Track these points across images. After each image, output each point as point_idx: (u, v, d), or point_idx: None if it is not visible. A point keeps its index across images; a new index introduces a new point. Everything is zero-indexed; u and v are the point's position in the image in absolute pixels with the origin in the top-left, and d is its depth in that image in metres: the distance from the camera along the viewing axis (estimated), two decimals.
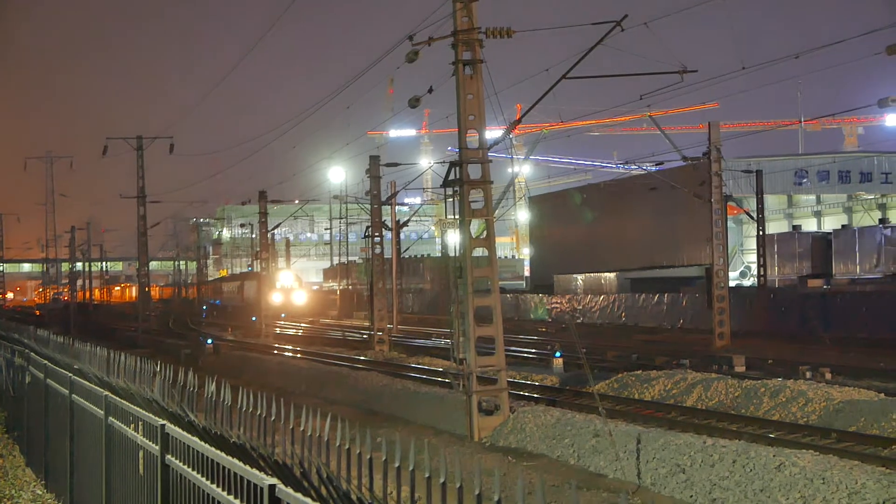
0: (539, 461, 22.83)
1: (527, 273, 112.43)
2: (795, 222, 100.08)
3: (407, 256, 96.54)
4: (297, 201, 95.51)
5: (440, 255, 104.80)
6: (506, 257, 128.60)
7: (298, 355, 53.58)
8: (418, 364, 45.18)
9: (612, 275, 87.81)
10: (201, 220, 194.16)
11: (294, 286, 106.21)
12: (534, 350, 51.38)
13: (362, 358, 49.73)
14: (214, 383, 8.70)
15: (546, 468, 21.92)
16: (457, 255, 27.72)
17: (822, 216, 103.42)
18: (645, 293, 77.82)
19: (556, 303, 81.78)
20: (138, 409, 10.62)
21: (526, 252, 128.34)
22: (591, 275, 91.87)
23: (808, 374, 36.06)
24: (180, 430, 8.72)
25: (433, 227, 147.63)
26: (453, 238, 34.82)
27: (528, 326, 67.08)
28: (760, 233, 65.06)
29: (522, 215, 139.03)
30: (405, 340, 61.06)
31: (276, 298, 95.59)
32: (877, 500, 15.74)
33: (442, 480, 4.71)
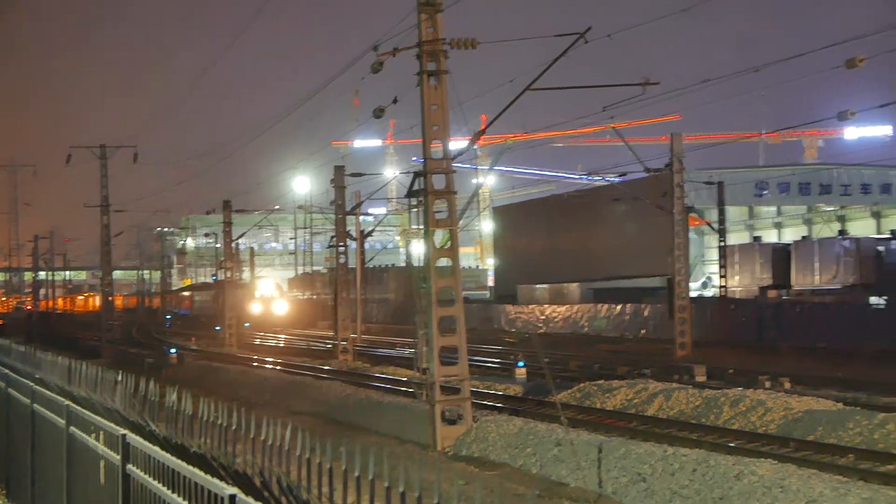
0: (502, 470, 22.82)
1: (491, 283, 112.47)
2: (756, 233, 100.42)
3: (371, 266, 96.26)
4: (258, 212, 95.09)
5: (404, 265, 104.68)
6: (469, 267, 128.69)
7: (263, 365, 53.40)
8: (382, 373, 45.12)
9: (575, 285, 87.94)
10: (165, 229, 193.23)
11: (275, 295, 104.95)
12: (497, 360, 51.39)
13: (326, 367, 49.60)
14: (176, 393, 8.65)
15: (508, 477, 21.91)
16: (421, 265, 27.68)
17: (782, 227, 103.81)
18: (607, 303, 78.02)
19: (519, 313, 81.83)
20: (100, 418, 10.54)
21: (490, 262, 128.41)
22: (555, 285, 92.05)
23: (768, 384, 36.23)
24: (141, 440, 8.66)
25: (397, 238, 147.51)
26: (417, 248, 34.74)
27: (491, 336, 67.04)
28: (721, 244, 65.30)
29: (486, 225, 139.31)
30: (369, 350, 61.00)
31: (255, 308, 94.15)
32: None
33: (402, 490, 4.69)
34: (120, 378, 11.18)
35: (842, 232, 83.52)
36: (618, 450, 20.83)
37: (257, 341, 78.21)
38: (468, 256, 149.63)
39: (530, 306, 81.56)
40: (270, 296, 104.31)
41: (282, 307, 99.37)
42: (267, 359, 56.97)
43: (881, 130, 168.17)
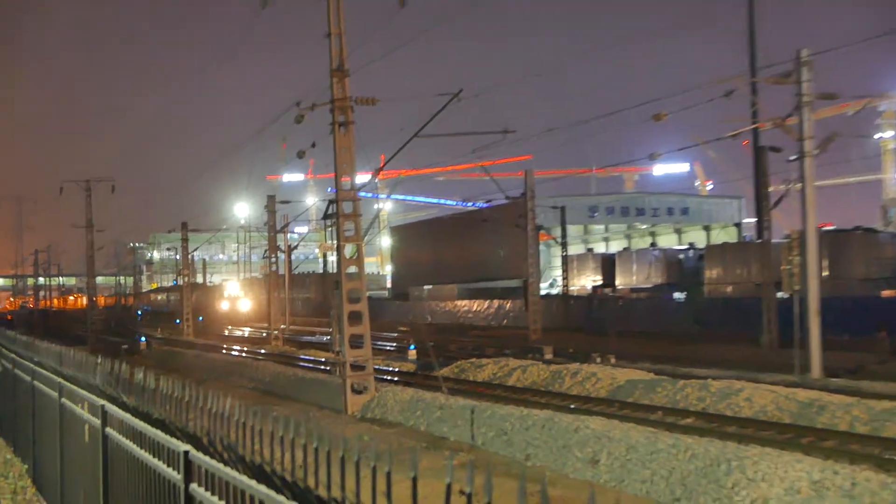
0: (398, 428, 22.77)
1: (389, 285, 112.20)
2: (589, 246, 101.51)
3: (297, 273, 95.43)
4: (209, 231, 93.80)
5: (322, 271, 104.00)
6: (372, 273, 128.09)
7: (212, 350, 52.71)
8: (306, 355, 44.80)
9: (453, 286, 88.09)
10: (137, 244, 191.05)
11: (240, 295, 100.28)
12: (394, 344, 51.32)
13: (262, 351, 49.13)
14: (142, 372, 8.57)
15: (403, 434, 21.87)
16: (335, 271, 27.55)
17: (609, 241, 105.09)
18: (479, 300, 78.23)
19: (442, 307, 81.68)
20: (84, 392, 10.48)
21: (388, 269, 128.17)
22: (437, 286, 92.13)
23: (598, 360, 36.56)
24: (116, 409, 8.60)
25: (317, 250, 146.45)
26: (332, 258, 34.57)
27: (389, 326, 66.84)
28: (564, 254, 65.92)
29: (385, 241, 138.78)
30: (296, 337, 60.53)
31: (223, 306, 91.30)
32: (647, 452, 15.99)
33: (315, 446, 4.66)
34: (99, 361, 11.15)
35: (653, 244, 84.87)
36: (486, 411, 20.89)
37: (212, 331, 77.19)
38: (371, 264, 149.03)
39: (453, 302, 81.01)
40: (236, 295, 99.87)
41: (246, 305, 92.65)
42: (216, 345, 56.27)
43: (680, 167, 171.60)
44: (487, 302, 74.53)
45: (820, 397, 21.46)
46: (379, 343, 48.79)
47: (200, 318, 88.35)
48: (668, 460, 15.47)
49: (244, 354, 47.31)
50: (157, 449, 6.85)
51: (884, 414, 19.30)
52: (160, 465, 6.69)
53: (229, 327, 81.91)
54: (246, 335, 69.22)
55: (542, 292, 68.51)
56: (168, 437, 6.60)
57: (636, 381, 26.78)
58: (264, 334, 62.10)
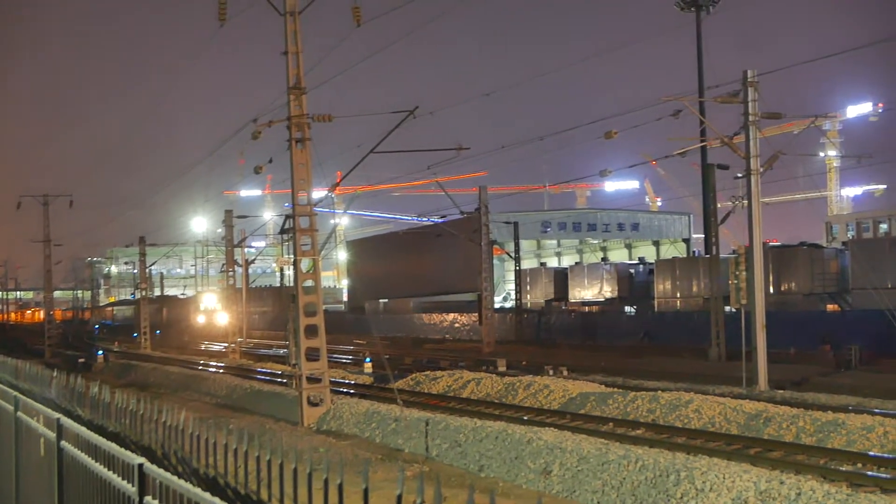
0: (353, 440, 22.68)
1: (345, 298, 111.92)
2: (542, 260, 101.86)
3: (254, 286, 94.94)
4: (167, 245, 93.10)
5: (279, 285, 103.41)
6: (329, 287, 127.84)
7: (169, 363, 52.22)
8: (262, 368, 44.55)
9: (408, 300, 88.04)
10: (94, 258, 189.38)
11: (217, 308, 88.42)
12: (350, 356, 51.17)
13: (220, 364, 48.78)
14: (98, 386, 8.47)
15: (358, 445, 21.78)
16: (291, 285, 27.43)
17: (561, 256, 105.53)
18: (433, 313, 78.22)
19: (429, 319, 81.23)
20: (40, 405, 10.32)
21: (345, 283, 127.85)
22: (393, 300, 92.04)
23: (551, 372, 36.64)
24: (72, 422, 8.48)
25: (274, 265, 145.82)
26: (289, 272, 34.43)
27: (345, 339, 66.68)
28: (517, 268, 66.08)
29: (342, 255, 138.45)
30: (253, 350, 60.19)
31: (200, 320, 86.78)
32: (598, 463, 16.04)
33: (268, 458, 4.63)
34: (55, 374, 11.00)
35: (604, 259, 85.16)
36: (440, 423, 20.86)
37: (171, 344, 76.47)
38: (328, 278, 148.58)
39: (440, 314, 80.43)
40: (213, 308, 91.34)
41: (224, 318, 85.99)
42: (173, 358, 55.78)
43: (631, 184, 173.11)
44: (441, 315, 74.52)
45: (766, 409, 21.64)
46: (335, 356, 48.62)
47: (158, 331, 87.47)
48: (618, 471, 15.52)
49: (201, 368, 46.92)
50: (112, 462, 6.78)
51: (828, 425, 19.50)
52: (115, 479, 6.62)
53: (185, 338, 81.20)
54: (203, 348, 68.60)
55: (496, 306, 68.64)
56: (123, 451, 6.53)
57: (588, 393, 26.87)
58: (222, 347, 61.70)
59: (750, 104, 30.07)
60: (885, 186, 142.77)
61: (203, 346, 71.11)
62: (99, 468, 7.16)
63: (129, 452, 6.42)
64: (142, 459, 6.03)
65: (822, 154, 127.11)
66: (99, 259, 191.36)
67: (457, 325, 71.28)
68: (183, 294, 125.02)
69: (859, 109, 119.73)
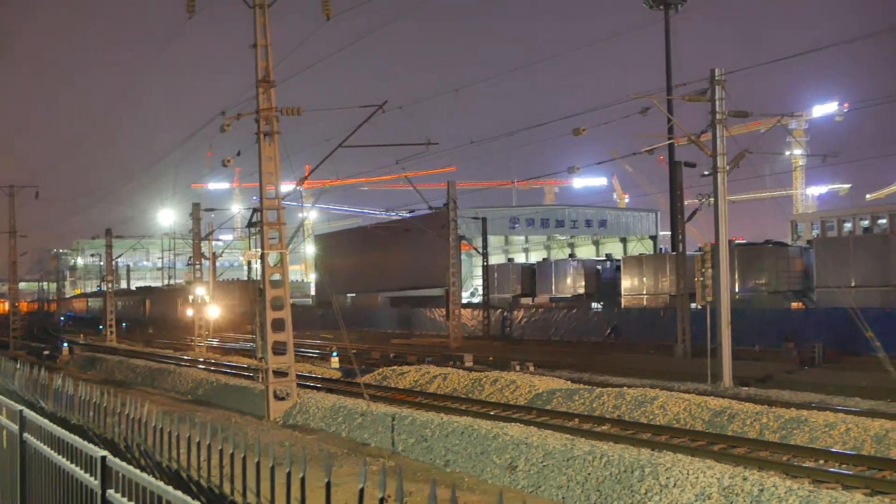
0: (319, 435, 22.62)
1: (313, 293, 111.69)
2: (510, 256, 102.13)
3: (222, 280, 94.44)
4: (133, 238, 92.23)
5: (247, 279, 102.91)
6: (296, 281, 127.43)
7: (135, 356, 51.84)
8: (229, 362, 44.35)
9: (376, 294, 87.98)
10: (60, 250, 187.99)
11: (206, 300, 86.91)
12: (317, 350, 51.05)
13: (186, 357, 48.52)
14: (62, 378, 8.40)
15: (324, 440, 21.73)
16: (259, 279, 27.34)
17: (529, 252, 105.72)
18: (400, 308, 78.17)
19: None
20: (2, 397, 10.19)
21: (312, 277, 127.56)
22: (361, 294, 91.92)
23: (518, 367, 36.71)
24: (34, 414, 8.41)
25: (242, 258, 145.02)
26: (257, 266, 34.25)
27: (312, 333, 66.49)
28: (485, 264, 66.17)
29: (310, 249, 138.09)
30: (220, 344, 59.93)
31: (188, 313, 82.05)
32: (563, 458, 16.07)
33: (231, 451, 4.61)
34: (18, 366, 10.88)
35: (572, 255, 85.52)
36: (406, 418, 20.84)
37: (137, 337, 75.89)
38: (296, 272, 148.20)
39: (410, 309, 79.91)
40: (202, 300, 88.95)
41: (214, 311, 73.98)
42: (139, 350, 55.41)
43: (599, 181, 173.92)
44: (410, 310, 74.42)
45: (731, 405, 21.78)
46: (302, 350, 48.51)
47: (124, 324, 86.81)
48: (583, 466, 15.57)
49: (167, 360, 46.63)
50: (75, 455, 6.72)
51: (792, 422, 19.65)
52: (78, 471, 6.57)
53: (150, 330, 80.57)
54: (169, 341, 68.15)
55: (464, 301, 68.70)
56: (86, 443, 6.48)
57: (555, 389, 26.92)
58: (188, 340, 61.35)
59: (717, 102, 30.25)
60: (849, 185, 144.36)
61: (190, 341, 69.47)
62: (62, 461, 7.11)
63: (91, 445, 6.37)
64: (104, 452, 5.99)
65: (788, 153, 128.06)
66: (65, 251, 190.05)
67: (423, 319, 71.27)
68: (167, 285, 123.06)
69: (825, 109, 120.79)
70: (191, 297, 66.94)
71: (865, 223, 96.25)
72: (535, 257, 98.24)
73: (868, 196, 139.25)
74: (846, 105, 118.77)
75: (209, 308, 71.35)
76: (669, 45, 67.21)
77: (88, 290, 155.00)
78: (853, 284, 46.33)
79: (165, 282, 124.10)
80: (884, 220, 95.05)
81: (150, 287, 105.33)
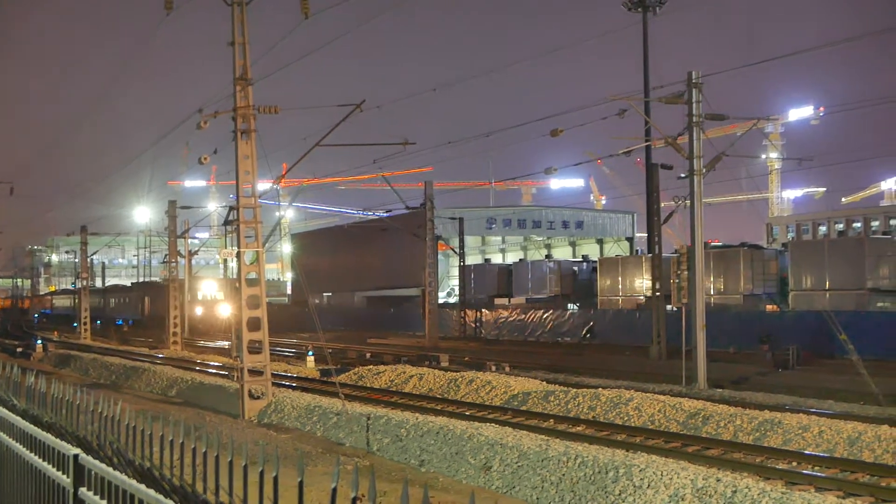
0: (294, 434, 22.59)
1: (289, 292, 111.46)
2: (487, 256, 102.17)
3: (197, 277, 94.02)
4: (109, 235, 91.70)
5: (223, 277, 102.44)
6: (273, 280, 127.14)
7: (110, 353, 51.55)
8: (204, 360, 44.20)
9: (352, 293, 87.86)
10: (35, 247, 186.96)
11: (218, 297, 78.37)
12: (293, 350, 50.95)
13: (160, 355, 48.31)
14: (34, 375, 8.35)
15: (299, 439, 21.70)
16: (235, 277, 27.29)
17: (505, 252, 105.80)
18: (377, 307, 78.11)
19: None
20: None
21: (289, 276, 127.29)
22: (338, 294, 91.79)
23: (493, 368, 36.76)
24: (6, 411, 8.36)
25: (218, 256, 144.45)
26: (233, 264, 34.21)
27: (289, 332, 66.38)
28: (462, 264, 66.23)
29: (286, 248, 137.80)
30: (194, 342, 59.71)
31: (197, 311, 76.69)
32: (538, 459, 16.11)
33: (204, 450, 4.60)
34: None
35: (548, 256, 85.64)
36: (382, 418, 20.84)
37: (112, 335, 75.50)
38: (272, 271, 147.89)
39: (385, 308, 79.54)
40: (213, 298, 78.13)
41: (226, 310, 65.46)
42: (113, 348, 55.13)
43: (576, 182, 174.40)
44: (385, 309, 74.36)
45: (705, 407, 21.87)
46: (278, 349, 48.40)
47: (98, 321, 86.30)
48: (558, 467, 15.61)
49: (142, 358, 46.43)
50: (47, 453, 6.70)
51: (766, 424, 19.76)
52: (50, 469, 6.54)
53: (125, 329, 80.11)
54: (144, 340, 67.81)
55: (441, 301, 68.69)
56: (58, 441, 6.46)
57: (530, 389, 26.98)
58: (163, 338, 61.10)
59: (694, 105, 30.38)
60: (824, 189, 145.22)
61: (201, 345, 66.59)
62: (34, 458, 7.07)
63: (64, 443, 6.35)
64: (77, 450, 5.97)
65: (764, 156, 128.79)
66: (40, 247, 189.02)
67: (399, 318, 71.25)
68: (171, 280, 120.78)
69: (801, 113, 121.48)
70: (200, 295, 65.17)
71: (840, 226, 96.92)
72: (511, 258, 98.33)
73: (843, 199, 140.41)
74: (822, 109, 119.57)
75: (220, 306, 67.73)
76: (647, 48, 67.53)
77: (63, 286, 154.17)
78: (828, 287, 46.61)
79: (142, 280, 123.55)
80: (858, 224, 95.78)
81: (149, 282, 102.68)
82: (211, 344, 58.16)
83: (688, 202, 31.57)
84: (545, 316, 57.53)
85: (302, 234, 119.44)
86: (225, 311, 57.56)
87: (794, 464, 17.37)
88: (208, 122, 25.59)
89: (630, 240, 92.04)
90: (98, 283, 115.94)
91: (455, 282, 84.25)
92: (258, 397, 25.69)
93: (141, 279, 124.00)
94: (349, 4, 28.81)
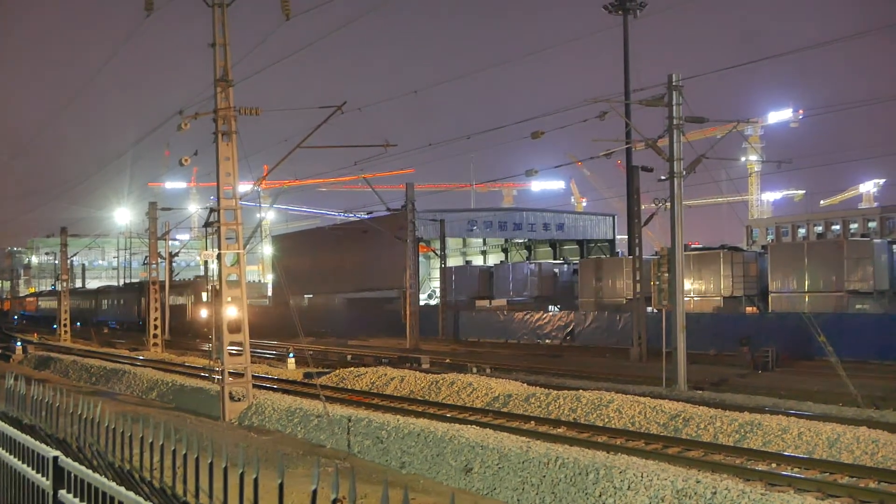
0: (275, 436, 22.54)
1: (270, 293, 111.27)
2: (468, 258, 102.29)
3: (178, 279, 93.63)
4: (89, 237, 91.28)
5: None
6: (254, 281, 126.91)
7: (90, 355, 51.25)
8: (185, 362, 44.03)
9: (333, 295, 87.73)
10: (15, 248, 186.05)
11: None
12: (274, 351, 50.85)
13: (141, 357, 48.11)
14: (13, 378, 8.30)
15: (280, 441, 21.65)
16: (215, 279, 27.22)
17: (486, 254, 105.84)
18: (358, 309, 78.02)
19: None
20: None
21: (270, 277, 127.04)
22: (319, 295, 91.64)
23: (475, 370, 36.75)
24: None
25: (198, 257, 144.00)
26: (213, 266, 34.02)
27: (270, 334, 66.20)
28: (443, 266, 66.24)
29: (267, 249, 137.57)
30: (175, 343, 59.49)
31: (202, 314, 72.19)
32: (519, 461, 16.11)
33: (184, 452, 4.58)
34: None
35: (529, 258, 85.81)
36: (363, 420, 20.81)
37: (92, 337, 75.05)
38: (253, 273, 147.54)
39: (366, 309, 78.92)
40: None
41: (233, 312, 61.41)
42: (94, 350, 54.84)
43: (557, 184, 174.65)
44: (367, 311, 74.26)
45: (685, 409, 21.92)
46: (259, 351, 48.28)
47: (78, 323, 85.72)
48: (539, 469, 15.62)
49: (122, 360, 46.23)
50: (27, 455, 6.66)
51: (745, 426, 19.82)
52: (29, 471, 6.50)
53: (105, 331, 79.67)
54: (125, 341, 67.51)
55: (421, 303, 68.67)
56: (37, 443, 6.42)
57: (511, 391, 26.99)
58: (143, 340, 60.83)
59: (674, 108, 30.48)
60: (803, 191, 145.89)
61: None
62: (13, 461, 7.03)
63: (43, 445, 6.32)
64: (56, 452, 5.94)
65: (743, 159, 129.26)
66: (19, 249, 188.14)
67: (380, 320, 71.17)
68: (177, 280, 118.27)
69: (780, 116, 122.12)
70: (204, 296, 63.07)
71: (819, 229, 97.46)
72: (492, 260, 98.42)
73: (822, 202, 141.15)
74: (801, 112, 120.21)
75: (229, 308, 65.51)
76: (628, 50, 67.58)
77: (43, 288, 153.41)
78: (807, 289, 46.86)
79: (122, 281, 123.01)
80: (837, 227, 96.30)
81: (146, 282, 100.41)
82: (187, 345, 57.90)
83: (668, 204, 31.67)
84: (526, 318, 57.61)
85: (283, 235, 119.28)
86: (233, 313, 55.74)
87: (774, 465, 17.44)
88: (189, 123, 25.53)
89: (611, 242, 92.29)
90: (78, 284, 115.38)
91: (436, 284, 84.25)
92: (239, 399, 25.63)
93: (122, 281, 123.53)
94: (330, 6, 28.83)
